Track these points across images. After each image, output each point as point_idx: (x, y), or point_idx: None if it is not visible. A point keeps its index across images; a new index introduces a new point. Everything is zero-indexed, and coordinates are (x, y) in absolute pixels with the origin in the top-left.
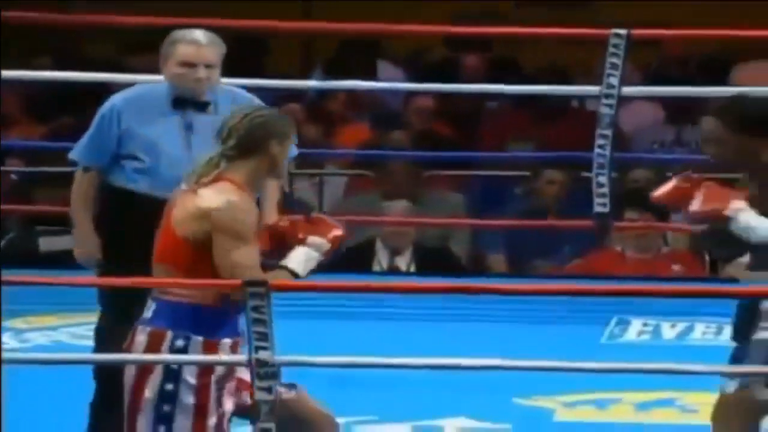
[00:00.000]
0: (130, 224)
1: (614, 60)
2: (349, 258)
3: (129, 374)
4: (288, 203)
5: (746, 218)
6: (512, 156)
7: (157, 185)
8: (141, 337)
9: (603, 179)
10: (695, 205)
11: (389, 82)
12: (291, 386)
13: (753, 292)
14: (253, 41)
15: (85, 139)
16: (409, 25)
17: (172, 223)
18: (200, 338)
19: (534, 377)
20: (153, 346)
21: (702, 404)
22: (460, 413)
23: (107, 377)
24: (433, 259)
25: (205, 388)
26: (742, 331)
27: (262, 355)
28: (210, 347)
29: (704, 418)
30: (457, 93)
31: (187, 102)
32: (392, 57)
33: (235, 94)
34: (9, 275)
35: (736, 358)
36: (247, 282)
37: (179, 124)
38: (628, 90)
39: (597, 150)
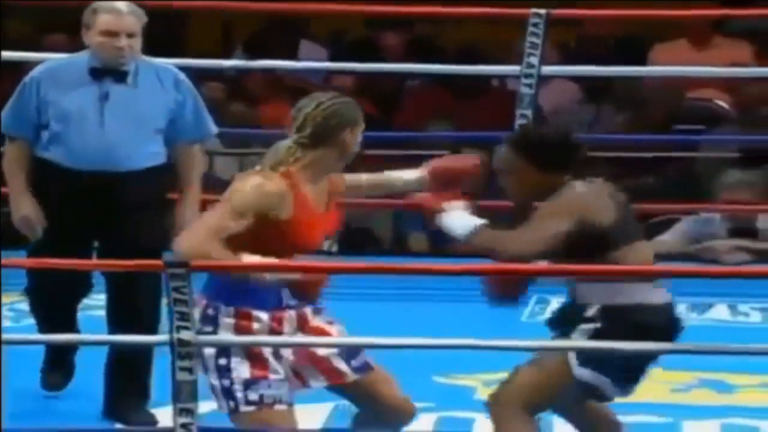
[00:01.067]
0: (44, 194)
1: (534, 39)
2: None
3: None
4: (210, 182)
5: (450, 218)
6: (432, 136)
7: (67, 155)
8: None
9: None
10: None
11: (311, 62)
12: (367, 368)
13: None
14: (173, 20)
15: (7, 110)
16: (330, 4)
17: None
18: (231, 308)
19: (454, 356)
20: (201, 312)
21: None
22: None
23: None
24: (356, 239)
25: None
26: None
27: (184, 335)
28: (243, 317)
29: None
30: (377, 72)
31: (105, 72)
32: (314, 36)
33: (158, 68)
34: None
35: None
36: (167, 263)
37: (95, 95)
38: (547, 69)
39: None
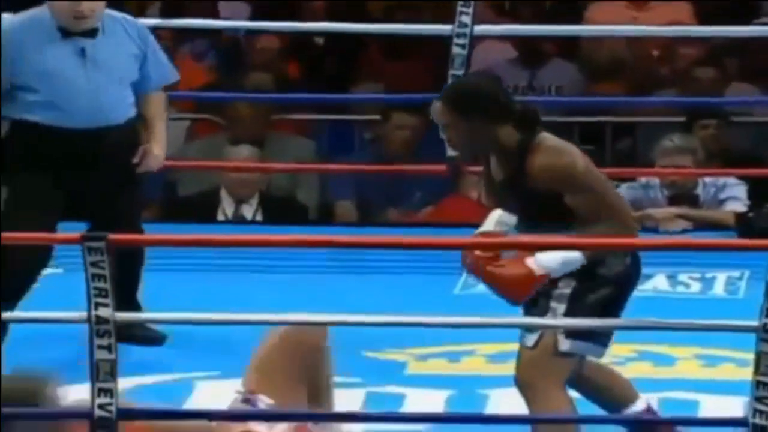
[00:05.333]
0: (28, 156)
1: None
2: (191, 207)
3: None
4: None
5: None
6: (361, 98)
7: (56, 115)
8: None
9: None
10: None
11: (232, 21)
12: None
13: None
14: None
15: None
16: None
17: None
18: None
19: (385, 330)
20: None
21: None
22: None
23: None
24: (281, 208)
25: None
26: None
27: (102, 312)
28: None
29: None
30: (304, 32)
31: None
32: None
33: (121, 20)
34: None
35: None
36: (83, 236)
37: (71, 52)
38: (480, 29)
39: None
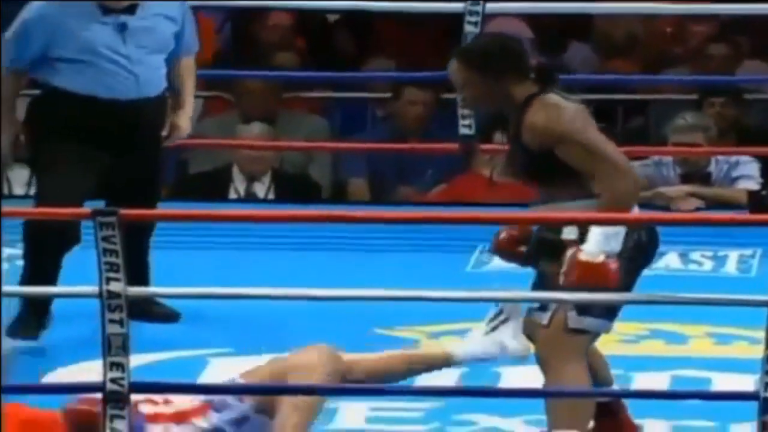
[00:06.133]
0: (72, 124)
1: None
2: (204, 185)
3: None
4: None
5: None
6: (373, 76)
7: (98, 88)
8: None
9: None
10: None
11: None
12: None
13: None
14: None
15: (10, 44)
16: None
17: None
18: None
19: (397, 307)
20: None
21: None
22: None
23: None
24: (293, 186)
25: None
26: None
27: (114, 286)
28: None
29: None
30: (316, 10)
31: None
32: None
33: None
34: None
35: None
36: (94, 211)
37: (112, 26)
38: (493, 6)
39: None
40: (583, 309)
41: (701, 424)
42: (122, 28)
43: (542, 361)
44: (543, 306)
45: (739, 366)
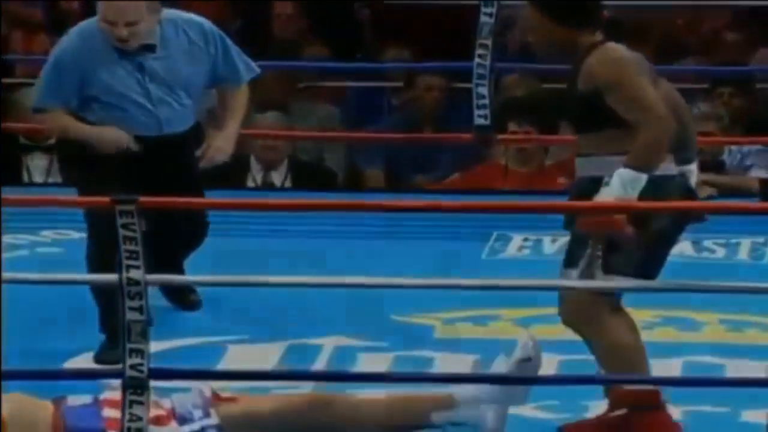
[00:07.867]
0: (97, 158)
1: None
2: (222, 174)
3: None
4: None
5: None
6: (389, 66)
7: (123, 123)
8: None
9: (483, 90)
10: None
11: None
12: None
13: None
14: None
15: (43, 85)
16: None
17: None
18: None
19: (413, 294)
20: None
21: None
22: (337, 331)
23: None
24: (309, 174)
25: None
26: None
27: (133, 273)
28: None
29: None
30: None
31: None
32: None
33: (183, 24)
34: None
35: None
36: (114, 199)
37: (129, 67)
38: None
39: (477, 60)
40: (610, 269)
41: (714, 410)
42: (140, 68)
43: (576, 323)
44: (570, 261)
45: (752, 352)
